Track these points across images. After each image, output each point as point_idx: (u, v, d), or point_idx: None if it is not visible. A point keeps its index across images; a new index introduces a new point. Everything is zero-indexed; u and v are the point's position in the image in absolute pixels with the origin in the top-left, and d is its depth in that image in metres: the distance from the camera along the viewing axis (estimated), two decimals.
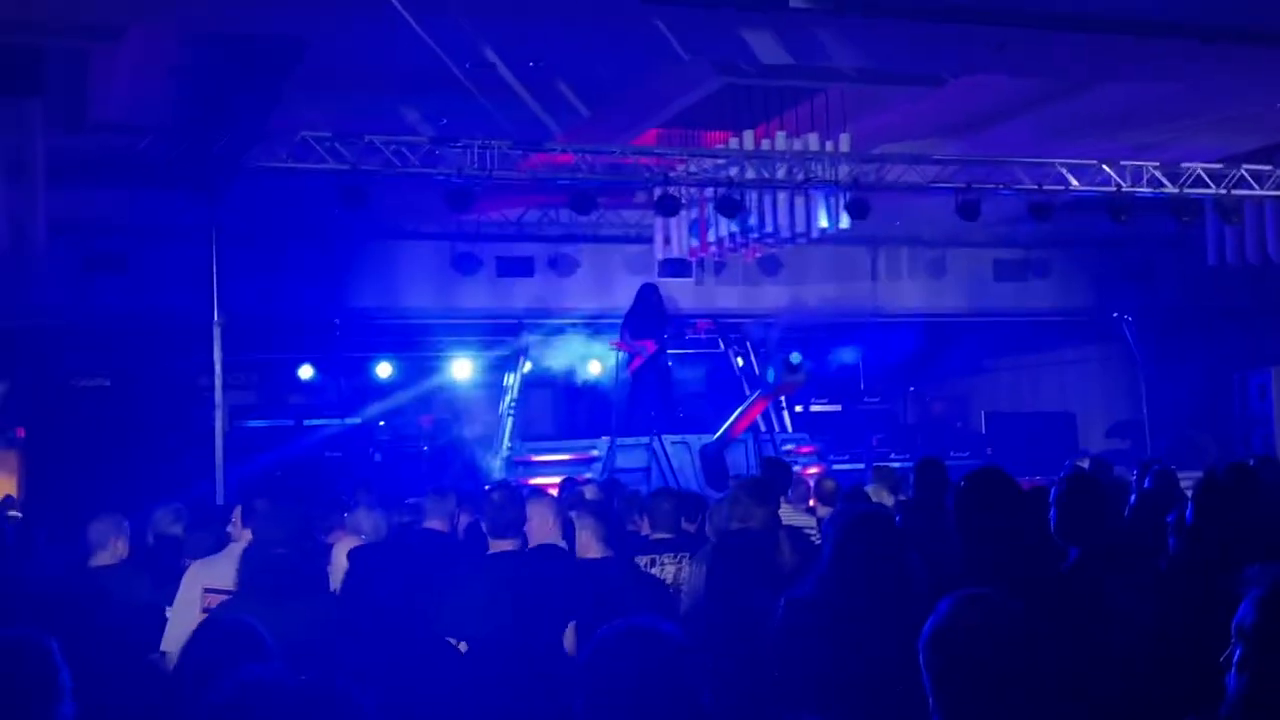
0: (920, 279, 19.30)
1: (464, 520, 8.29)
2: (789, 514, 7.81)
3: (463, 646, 5.42)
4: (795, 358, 14.44)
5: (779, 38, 10.33)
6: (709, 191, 13.96)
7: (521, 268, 17.70)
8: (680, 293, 17.50)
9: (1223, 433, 18.09)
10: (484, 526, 5.93)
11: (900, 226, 18.00)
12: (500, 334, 17.86)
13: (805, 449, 16.03)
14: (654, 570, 6.61)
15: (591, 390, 17.45)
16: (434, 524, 7.96)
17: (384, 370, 18.35)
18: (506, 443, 15.84)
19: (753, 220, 14.16)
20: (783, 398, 16.60)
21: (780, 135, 13.55)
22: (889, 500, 8.87)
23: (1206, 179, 14.56)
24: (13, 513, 12.03)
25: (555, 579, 5.61)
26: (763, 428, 16.17)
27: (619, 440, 14.97)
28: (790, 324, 17.48)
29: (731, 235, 14.60)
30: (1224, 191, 14.59)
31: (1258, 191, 14.78)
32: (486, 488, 9.60)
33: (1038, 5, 9.84)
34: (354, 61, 11.08)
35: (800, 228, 14.30)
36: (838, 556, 4.04)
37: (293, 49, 10.40)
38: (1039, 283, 19.55)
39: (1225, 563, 3.84)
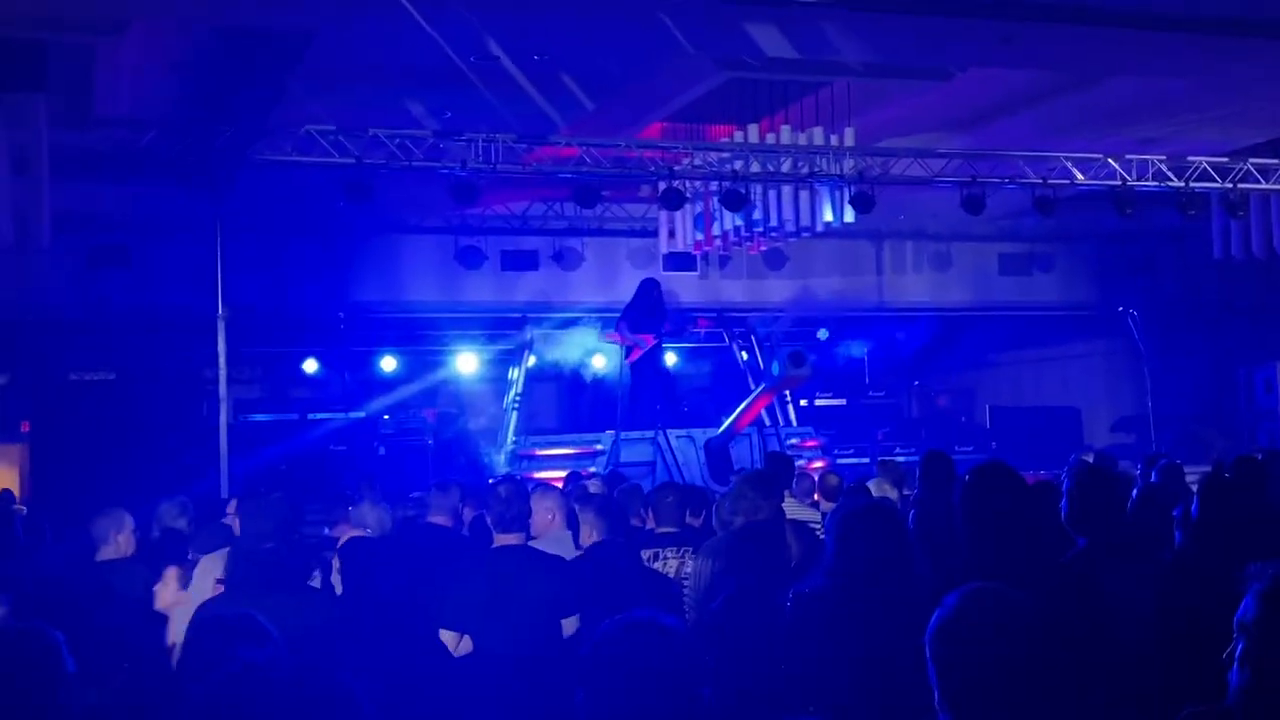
0: (925, 273, 19.29)
1: (469, 514, 8.31)
2: (793, 508, 7.80)
3: (466, 641, 5.42)
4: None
5: (784, 31, 10.30)
6: (714, 185, 13.96)
7: (526, 261, 17.70)
8: (685, 286, 17.52)
9: (1228, 427, 18.06)
10: (489, 520, 5.92)
11: (905, 220, 17.99)
12: (504, 328, 17.88)
13: (810, 443, 16.03)
14: (657, 565, 6.61)
15: (596, 384, 17.46)
16: (437, 519, 7.99)
17: (388, 364, 18.36)
18: (511, 437, 15.86)
19: (757, 214, 14.14)
20: (787, 392, 16.59)
21: (785, 129, 13.54)
22: (893, 494, 8.87)
23: (1212, 173, 14.54)
24: (17, 506, 12.05)
25: (558, 573, 5.60)
26: (767, 422, 16.17)
27: (623, 434, 14.97)
28: (796, 318, 17.50)
29: (736, 229, 14.59)
30: (1230, 185, 14.56)
31: (1264, 185, 14.76)
32: (491, 482, 9.63)
33: None
34: (358, 55, 11.07)
35: (805, 221, 14.28)
36: (841, 550, 4.05)
37: (297, 43, 10.39)
38: (1043, 277, 19.53)
39: (1231, 557, 3.82)
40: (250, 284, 14.29)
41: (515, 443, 15.52)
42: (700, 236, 15.09)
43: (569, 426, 17.85)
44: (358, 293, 16.75)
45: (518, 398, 16.62)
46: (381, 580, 6.14)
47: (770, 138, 13.59)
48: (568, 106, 12.83)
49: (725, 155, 13.72)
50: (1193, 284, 18.59)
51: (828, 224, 14.32)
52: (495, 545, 5.73)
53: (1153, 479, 7.73)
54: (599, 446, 15.05)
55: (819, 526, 7.04)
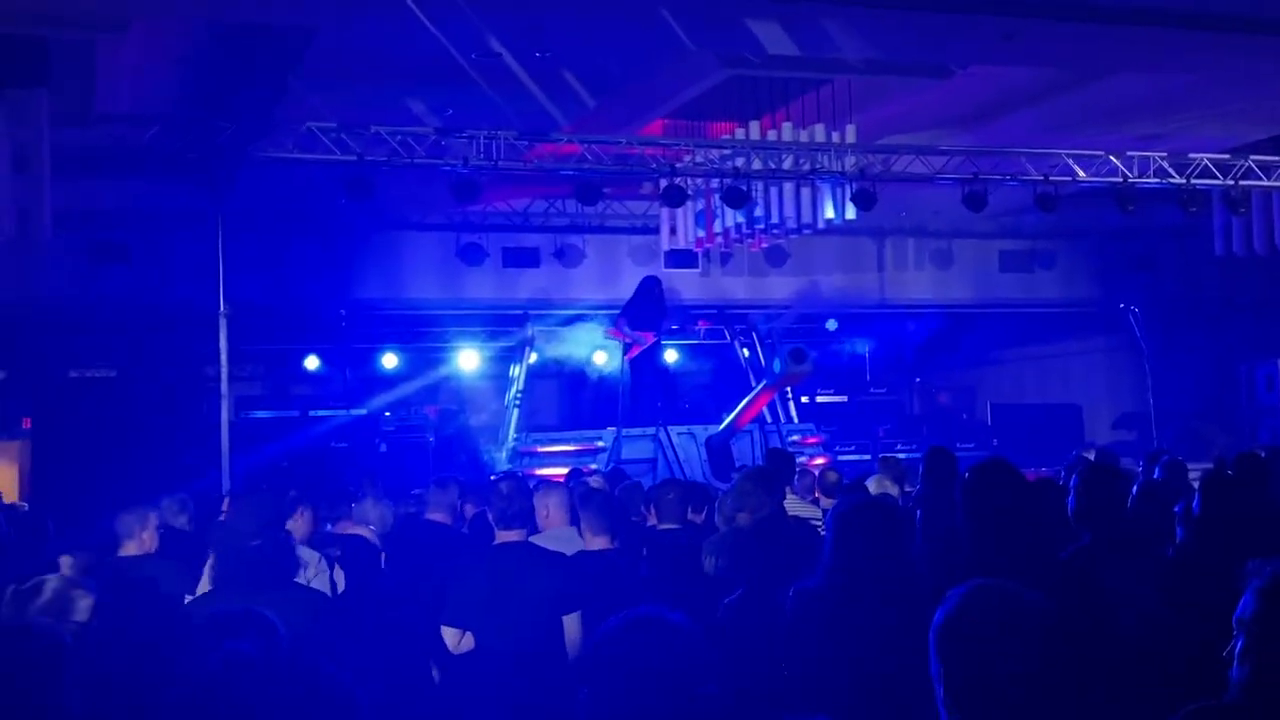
0: (927, 270, 19.28)
1: (470, 511, 8.31)
2: (794, 505, 7.81)
3: (468, 637, 5.43)
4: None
5: (786, 28, 10.30)
6: (715, 182, 13.96)
7: (527, 258, 17.69)
8: (686, 284, 17.51)
9: (1229, 424, 18.06)
10: (490, 517, 5.92)
11: (906, 217, 17.99)
12: (506, 325, 17.89)
13: (811, 440, 16.06)
14: None
15: (597, 381, 17.47)
16: (436, 515, 7.99)
17: (390, 361, 18.37)
18: (512, 434, 15.88)
19: (759, 211, 14.14)
20: (789, 388, 16.60)
21: (787, 126, 13.54)
22: (894, 491, 8.86)
23: (1214, 170, 14.53)
24: (19, 502, 12.05)
25: (559, 569, 5.60)
26: (769, 419, 16.19)
27: (625, 431, 14.98)
28: (798, 313, 17.51)
29: (738, 226, 14.58)
30: (1231, 182, 14.56)
31: (1265, 182, 14.75)
32: (493, 478, 9.64)
33: None
34: (360, 52, 11.07)
35: (806, 218, 14.28)
36: (839, 547, 4.05)
37: (298, 40, 10.40)
38: (1045, 274, 19.52)
39: (1232, 553, 3.83)
40: (252, 281, 14.28)
41: (516, 439, 15.53)
42: (702, 233, 15.10)
43: (570, 423, 17.87)
44: (359, 289, 16.74)
45: (519, 395, 16.64)
46: (379, 577, 6.15)
47: (772, 135, 13.59)
48: (569, 103, 12.83)
49: (727, 152, 13.72)
50: (1194, 281, 18.57)
51: (829, 221, 14.32)
52: (497, 542, 5.73)
53: (1155, 475, 7.73)
54: (600, 443, 15.07)
55: (819, 523, 7.05)
